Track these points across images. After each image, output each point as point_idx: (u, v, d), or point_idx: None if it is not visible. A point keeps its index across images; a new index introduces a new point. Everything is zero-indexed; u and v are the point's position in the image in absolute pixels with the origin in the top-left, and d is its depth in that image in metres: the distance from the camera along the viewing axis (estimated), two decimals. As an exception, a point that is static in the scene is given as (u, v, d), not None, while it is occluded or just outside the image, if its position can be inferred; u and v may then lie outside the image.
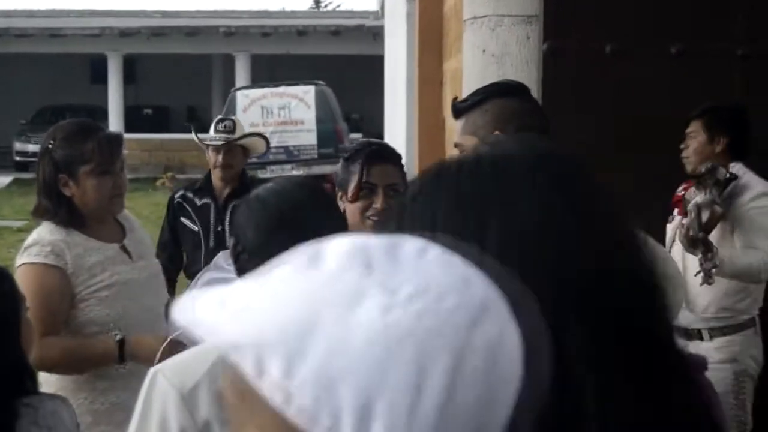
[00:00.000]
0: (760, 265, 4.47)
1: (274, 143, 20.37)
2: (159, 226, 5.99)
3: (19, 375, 2.43)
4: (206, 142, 5.79)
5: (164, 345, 2.61)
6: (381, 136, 14.46)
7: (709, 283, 4.41)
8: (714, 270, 4.38)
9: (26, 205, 21.87)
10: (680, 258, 4.57)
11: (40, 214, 3.60)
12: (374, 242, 0.81)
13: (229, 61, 30.08)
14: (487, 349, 0.76)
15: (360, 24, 27.13)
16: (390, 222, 1.12)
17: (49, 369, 3.42)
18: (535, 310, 0.84)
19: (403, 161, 3.51)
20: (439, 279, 0.78)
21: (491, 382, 0.76)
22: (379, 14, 16.60)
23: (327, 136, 21.67)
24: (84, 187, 3.52)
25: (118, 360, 3.42)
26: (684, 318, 4.49)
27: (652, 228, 4.45)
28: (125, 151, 3.77)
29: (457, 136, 3.27)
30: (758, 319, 4.68)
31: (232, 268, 2.20)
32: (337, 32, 28.80)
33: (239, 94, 22.15)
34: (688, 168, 4.74)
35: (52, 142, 3.56)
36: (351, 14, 31.09)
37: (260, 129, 20.65)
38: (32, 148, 28.73)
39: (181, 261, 5.76)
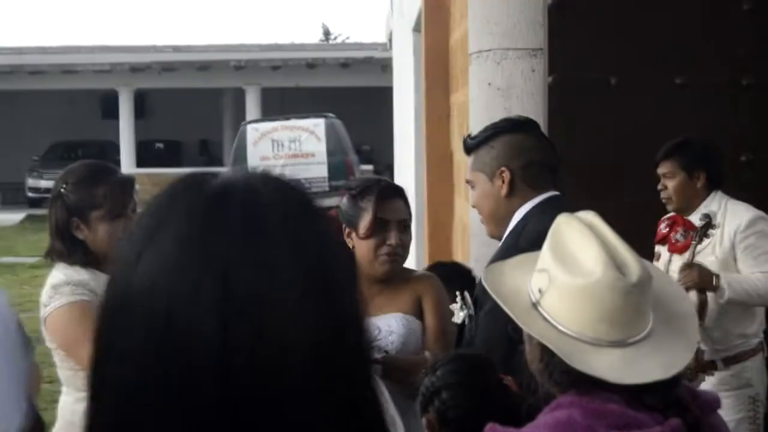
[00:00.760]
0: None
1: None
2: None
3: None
4: None
5: None
6: (391, 167, 14.48)
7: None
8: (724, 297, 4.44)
9: (39, 241, 21.88)
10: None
11: (53, 256, 3.59)
12: None
13: (240, 95, 30.19)
14: None
15: (369, 56, 27.21)
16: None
17: None
18: None
19: (412, 194, 3.57)
20: None
21: None
22: (388, 46, 16.66)
23: (338, 168, 21.71)
24: (96, 231, 3.52)
25: None
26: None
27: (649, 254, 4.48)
28: (137, 187, 3.78)
29: (468, 172, 3.31)
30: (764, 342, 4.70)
31: None
32: (346, 64, 28.89)
33: (249, 127, 22.21)
34: (671, 207, 4.79)
35: (64, 185, 3.56)
36: (360, 46, 31.16)
37: (271, 162, 20.76)
38: (44, 184, 28.83)
39: None
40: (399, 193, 3.51)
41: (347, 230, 3.42)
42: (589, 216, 1.96)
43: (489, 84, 4.92)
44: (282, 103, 29.53)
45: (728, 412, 4.14)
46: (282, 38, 67.35)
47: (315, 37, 52.59)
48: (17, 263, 17.85)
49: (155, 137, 33.11)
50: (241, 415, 0.94)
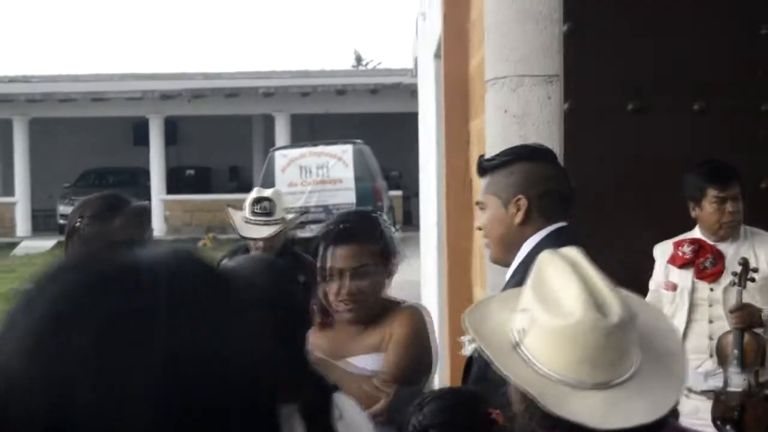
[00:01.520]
0: None
1: (312, 202, 20.59)
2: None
3: None
4: (243, 234, 5.73)
5: None
6: (419, 194, 14.47)
7: None
8: None
9: (68, 267, 21.99)
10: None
11: None
12: None
13: (269, 121, 30.31)
14: None
15: (398, 82, 27.22)
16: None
17: None
18: None
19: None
20: None
21: None
22: (414, 72, 16.67)
23: (365, 194, 21.75)
24: None
25: None
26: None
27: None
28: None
29: (481, 194, 3.26)
30: None
31: None
32: (375, 90, 28.94)
33: (278, 154, 22.31)
34: (723, 233, 4.67)
35: (80, 219, 3.54)
36: (389, 72, 31.20)
37: (299, 188, 20.83)
38: (76, 210, 29.02)
39: None
40: (354, 238, 3.38)
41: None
42: (572, 253, 1.92)
43: (505, 111, 4.87)
44: (311, 130, 29.64)
45: None
46: (314, 64, 67.71)
47: (347, 63, 52.74)
48: (46, 290, 17.91)
49: (186, 164, 33.30)
50: None
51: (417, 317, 3.49)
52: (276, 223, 5.66)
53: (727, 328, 4.53)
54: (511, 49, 4.84)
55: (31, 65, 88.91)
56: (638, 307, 1.93)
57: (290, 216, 6.07)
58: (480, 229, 3.29)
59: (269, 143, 27.86)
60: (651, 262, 4.83)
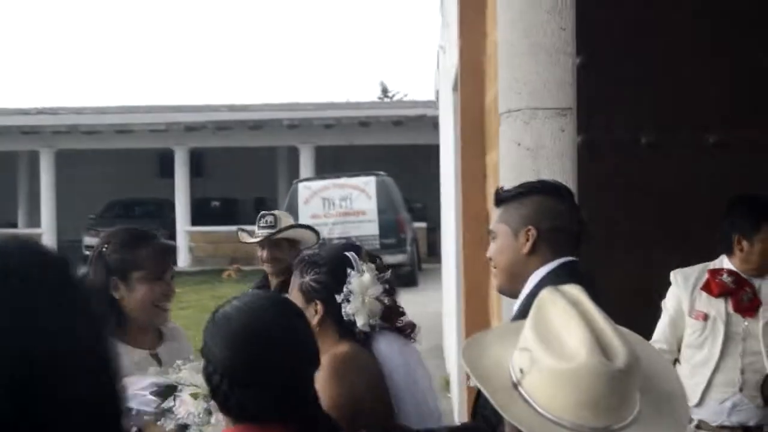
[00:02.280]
0: None
1: (336, 234, 20.60)
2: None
3: None
4: (244, 240, 5.84)
5: None
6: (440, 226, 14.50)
7: None
8: None
9: (93, 299, 21.99)
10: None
11: None
12: None
13: (293, 153, 30.40)
14: None
15: (422, 114, 27.27)
16: None
17: None
18: None
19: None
20: None
21: None
22: (437, 104, 16.72)
23: (389, 226, 21.78)
24: (135, 291, 3.56)
25: None
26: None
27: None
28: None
29: (493, 223, 3.29)
30: None
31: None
32: (399, 122, 28.98)
33: (301, 186, 22.38)
34: (753, 267, 4.64)
35: (106, 246, 3.62)
36: (414, 104, 31.23)
37: (322, 220, 20.84)
38: (101, 242, 29.15)
39: None
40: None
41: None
42: (574, 291, 1.87)
43: (518, 144, 4.86)
44: (336, 161, 29.70)
45: None
46: (340, 96, 68.00)
47: (373, 94, 52.87)
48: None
49: (211, 195, 33.42)
50: None
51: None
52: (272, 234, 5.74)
53: (761, 362, 4.52)
54: (524, 82, 4.83)
55: (57, 97, 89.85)
56: (641, 346, 1.89)
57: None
58: (490, 259, 3.29)
59: (294, 175, 27.94)
60: (663, 294, 4.79)
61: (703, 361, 4.59)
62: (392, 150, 29.59)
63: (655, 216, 4.85)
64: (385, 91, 52.37)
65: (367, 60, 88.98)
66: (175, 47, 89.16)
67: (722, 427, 4.54)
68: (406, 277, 22.12)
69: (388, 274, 3.27)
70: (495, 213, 3.31)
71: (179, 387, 2.82)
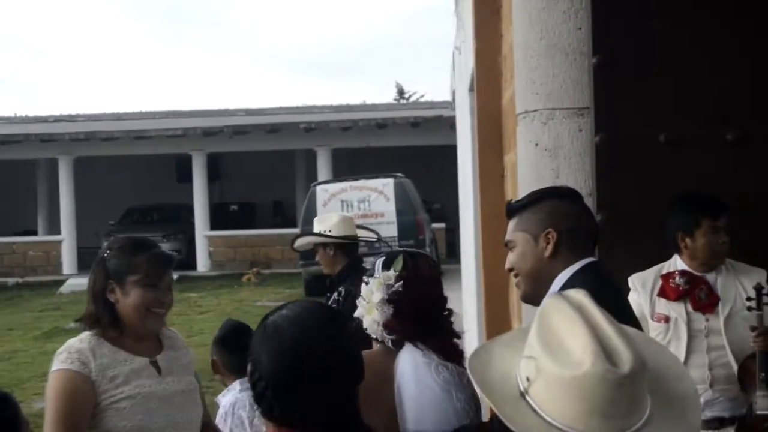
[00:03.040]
0: None
1: (354, 236, 20.58)
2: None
3: None
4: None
5: None
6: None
7: None
8: None
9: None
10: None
11: (85, 321, 3.71)
12: None
13: (311, 156, 30.45)
14: None
15: (438, 115, 27.26)
16: None
17: None
18: None
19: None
20: None
21: None
22: (453, 105, 16.72)
23: (407, 227, 21.78)
24: (128, 295, 3.64)
25: None
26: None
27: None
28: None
29: (508, 234, 3.29)
30: None
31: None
32: (416, 123, 28.98)
33: (319, 188, 22.42)
34: (710, 264, 4.73)
35: (107, 252, 3.72)
36: (430, 105, 31.23)
37: (341, 223, 20.81)
38: (120, 248, 29.24)
39: None
40: None
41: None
42: (579, 296, 1.86)
43: (536, 144, 4.86)
44: (353, 163, 29.74)
45: None
46: (355, 98, 68.02)
47: (389, 96, 52.82)
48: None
49: (229, 199, 33.51)
50: None
51: None
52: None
53: (726, 356, 4.61)
54: (541, 83, 4.84)
55: (74, 105, 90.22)
56: (650, 348, 1.89)
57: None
58: (510, 270, 3.29)
59: (312, 177, 27.99)
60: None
61: None
62: (409, 151, 29.59)
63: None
64: (401, 92, 52.28)
65: (383, 61, 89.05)
66: (190, 52, 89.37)
67: (704, 421, 4.57)
68: (425, 279, 22.08)
69: (398, 286, 3.31)
70: (509, 225, 3.31)
71: None
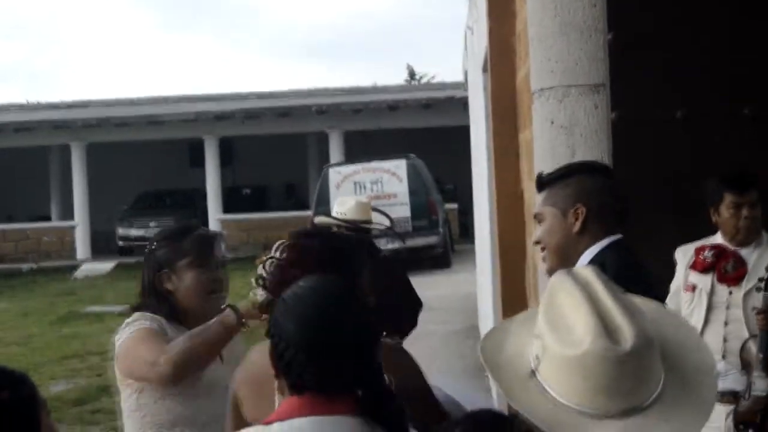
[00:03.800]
0: None
1: (368, 218, 20.57)
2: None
3: None
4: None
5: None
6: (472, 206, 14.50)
7: None
8: None
9: (129, 289, 22.04)
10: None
11: (143, 309, 3.71)
12: None
13: (323, 138, 30.41)
14: None
15: (450, 96, 27.17)
16: None
17: (182, 365, 3.42)
18: None
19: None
20: None
21: None
22: (465, 86, 16.68)
23: (420, 208, 21.78)
24: (183, 280, 3.67)
25: (238, 321, 3.42)
26: None
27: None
28: (224, 232, 3.94)
29: (538, 207, 3.27)
30: None
31: None
32: (428, 105, 28.91)
33: (332, 170, 22.41)
34: (740, 238, 4.69)
35: (153, 244, 3.77)
36: (442, 86, 31.09)
37: (354, 204, 20.81)
38: (134, 232, 29.33)
39: None
40: None
41: None
42: (585, 273, 1.84)
43: (552, 122, 4.84)
44: (365, 145, 29.69)
45: None
46: (367, 80, 67.83)
47: (400, 77, 52.65)
48: (105, 312, 18.11)
49: (242, 183, 33.50)
50: None
51: None
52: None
53: (743, 330, 4.63)
54: (557, 60, 4.82)
55: (86, 91, 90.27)
56: (665, 321, 1.87)
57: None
58: (538, 242, 3.28)
59: (324, 160, 27.95)
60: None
61: None
62: (421, 133, 29.53)
63: (693, 190, 4.83)
64: (412, 74, 52.08)
65: (393, 44, 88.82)
66: (200, 37, 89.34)
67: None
68: (439, 259, 22.15)
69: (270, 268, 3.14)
70: (539, 197, 3.30)
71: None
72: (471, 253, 18.27)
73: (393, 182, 21.93)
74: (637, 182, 4.75)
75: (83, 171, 30.71)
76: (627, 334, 1.72)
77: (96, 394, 11.20)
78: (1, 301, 21.19)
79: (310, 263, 2.94)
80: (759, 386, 4.43)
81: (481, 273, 12.20)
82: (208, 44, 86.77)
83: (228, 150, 32.08)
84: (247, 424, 2.53)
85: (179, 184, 32.11)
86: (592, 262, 3.01)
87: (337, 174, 22.15)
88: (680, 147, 4.86)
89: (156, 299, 3.66)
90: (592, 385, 1.71)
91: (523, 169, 6.38)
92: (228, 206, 30.60)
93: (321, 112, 29.21)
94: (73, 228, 31.01)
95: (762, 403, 4.42)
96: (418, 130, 29.46)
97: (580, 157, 4.71)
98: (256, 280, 3.03)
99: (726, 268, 4.69)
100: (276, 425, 2.14)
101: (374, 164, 22.38)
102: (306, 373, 2.18)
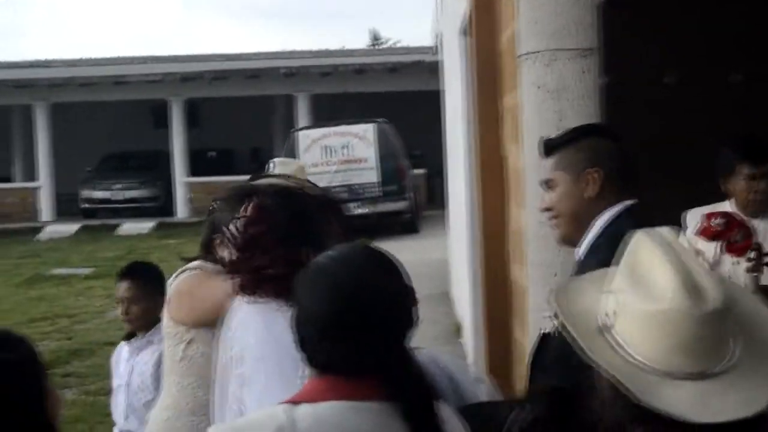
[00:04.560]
0: None
1: (337, 182, 20.50)
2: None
3: None
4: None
5: None
6: (442, 172, 14.43)
7: None
8: None
9: (94, 252, 22.13)
10: None
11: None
12: None
13: (290, 102, 30.26)
14: None
15: (418, 60, 27.09)
16: None
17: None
18: None
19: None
20: None
21: None
22: (435, 50, 16.57)
23: (390, 173, 21.73)
24: None
25: None
26: None
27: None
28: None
29: (548, 172, 3.19)
30: None
31: None
32: (395, 69, 28.84)
33: (300, 134, 22.31)
34: (752, 210, 4.63)
35: (214, 203, 3.79)
36: (408, 50, 31.02)
37: (322, 168, 20.76)
38: (98, 194, 29.10)
39: None
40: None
41: None
42: (666, 233, 1.77)
43: (539, 87, 4.79)
44: (333, 109, 29.55)
45: None
46: (332, 44, 67.47)
47: (363, 42, 52.47)
48: (72, 274, 17.97)
49: (207, 146, 33.26)
50: None
51: None
52: None
53: None
54: (544, 23, 4.76)
55: (51, 50, 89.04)
56: (738, 293, 1.82)
57: None
58: (548, 209, 3.18)
59: (290, 124, 27.83)
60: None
61: None
62: (389, 97, 29.44)
63: (682, 155, 4.80)
64: (376, 38, 51.98)
65: (360, 7, 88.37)
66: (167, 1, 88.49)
67: None
68: (407, 225, 22.14)
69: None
70: (546, 163, 3.21)
71: None
72: (439, 219, 18.25)
73: (362, 146, 21.84)
74: (626, 147, 4.70)
75: (47, 132, 30.35)
76: (711, 294, 1.67)
77: (67, 357, 11.11)
78: (-36, 263, 20.95)
79: (281, 222, 2.99)
80: None
81: (455, 239, 12.17)
82: (174, 8, 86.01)
83: (194, 112, 31.85)
84: None
85: (144, 146, 31.82)
86: (608, 227, 2.95)
87: (306, 138, 22.02)
88: (669, 111, 4.82)
89: (212, 260, 3.61)
90: (670, 343, 1.66)
91: (506, 134, 6.33)
92: (194, 169, 30.38)
93: (289, 74, 29.04)
94: (36, 189, 30.69)
95: None
96: (385, 94, 29.38)
97: (568, 122, 4.66)
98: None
99: (735, 238, 4.63)
100: (303, 407, 2.04)
101: (343, 128, 22.28)
102: (319, 353, 2.07)
